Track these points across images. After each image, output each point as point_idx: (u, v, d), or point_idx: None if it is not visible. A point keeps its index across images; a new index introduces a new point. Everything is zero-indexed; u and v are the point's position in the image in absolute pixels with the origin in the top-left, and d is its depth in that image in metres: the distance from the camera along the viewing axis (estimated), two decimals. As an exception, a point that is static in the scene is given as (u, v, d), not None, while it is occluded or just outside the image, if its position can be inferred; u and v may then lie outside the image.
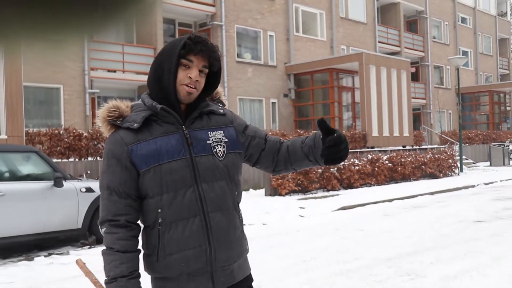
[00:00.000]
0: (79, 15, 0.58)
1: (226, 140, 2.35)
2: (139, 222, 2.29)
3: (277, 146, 2.48)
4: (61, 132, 13.86)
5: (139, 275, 2.24)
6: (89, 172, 13.61)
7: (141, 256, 2.28)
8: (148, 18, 21.11)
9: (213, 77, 2.35)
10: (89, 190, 8.72)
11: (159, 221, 2.22)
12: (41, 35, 0.59)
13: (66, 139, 13.79)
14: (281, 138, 2.53)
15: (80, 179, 9.29)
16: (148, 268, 2.31)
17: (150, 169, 2.21)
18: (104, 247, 2.24)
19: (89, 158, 14.25)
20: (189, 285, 2.27)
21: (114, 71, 20.03)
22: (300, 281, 5.95)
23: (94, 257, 7.79)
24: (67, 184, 8.43)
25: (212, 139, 2.33)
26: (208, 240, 2.25)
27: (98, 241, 8.82)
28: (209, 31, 23.41)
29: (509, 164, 28.77)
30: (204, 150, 2.29)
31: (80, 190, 8.60)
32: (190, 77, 2.20)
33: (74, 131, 14.10)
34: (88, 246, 8.71)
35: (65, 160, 13.61)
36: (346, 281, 6.03)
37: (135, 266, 2.22)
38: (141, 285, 2.24)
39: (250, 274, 2.50)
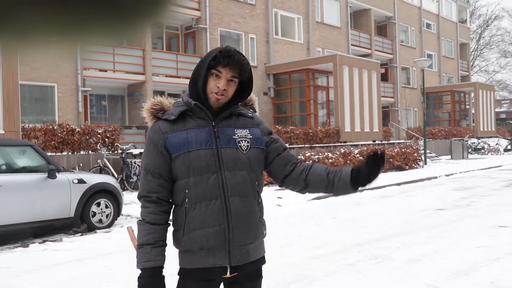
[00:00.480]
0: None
1: (251, 137, 2.50)
2: (170, 200, 2.47)
3: (293, 160, 2.60)
4: (55, 127, 13.72)
5: (163, 245, 2.42)
6: (81, 165, 13.52)
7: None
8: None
9: (246, 84, 2.49)
10: (81, 181, 8.65)
11: (186, 200, 2.40)
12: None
13: (59, 134, 13.66)
14: (296, 161, 2.63)
15: (72, 171, 9.20)
16: (175, 242, 2.47)
17: (181, 155, 2.39)
18: (140, 218, 2.45)
19: (81, 152, 14.13)
20: (208, 259, 2.40)
21: (105, 71, 19.86)
22: (276, 265, 5.95)
23: (84, 244, 7.77)
24: (60, 176, 8.36)
25: (238, 135, 2.48)
26: (227, 221, 2.40)
27: (89, 229, 8.77)
28: (194, 33, 23.31)
29: (467, 157, 29.12)
30: (229, 143, 2.45)
31: (73, 182, 8.52)
32: (218, 87, 2.35)
33: (67, 126, 13.98)
34: (80, 234, 8.63)
35: (58, 153, 13.48)
36: (319, 264, 6.06)
37: (160, 237, 2.40)
38: (166, 255, 2.42)
39: (263, 256, 2.65)
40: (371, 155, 2.37)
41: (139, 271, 2.37)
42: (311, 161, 16.54)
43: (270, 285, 5.24)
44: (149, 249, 2.37)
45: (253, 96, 2.69)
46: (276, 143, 2.61)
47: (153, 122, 2.52)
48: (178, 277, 2.44)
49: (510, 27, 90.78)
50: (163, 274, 2.40)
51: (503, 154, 33.14)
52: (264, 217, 2.59)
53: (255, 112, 2.70)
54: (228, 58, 2.33)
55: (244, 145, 2.48)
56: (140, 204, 2.48)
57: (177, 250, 2.46)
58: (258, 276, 2.64)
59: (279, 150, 2.58)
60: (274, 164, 2.58)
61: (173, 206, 2.50)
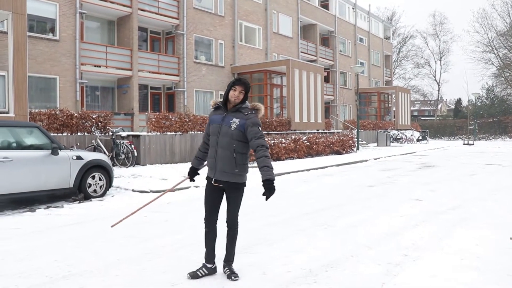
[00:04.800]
0: None
1: (238, 123, 3.96)
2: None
3: (254, 146, 3.92)
4: (57, 112, 13.25)
5: (199, 159, 4.30)
6: (78, 144, 13.14)
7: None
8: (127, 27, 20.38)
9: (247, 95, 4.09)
10: (79, 157, 8.39)
11: (210, 145, 4.09)
12: None
13: (60, 118, 13.20)
14: (259, 145, 3.93)
15: (72, 149, 8.90)
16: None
17: (210, 125, 4.09)
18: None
19: (78, 133, 13.71)
20: (210, 171, 4.08)
21: (99, 66, 19.27)
22: (245, 228, 5.93)
23: (81, 210, 7.56)
24: (61, 153, 8.09)
25: (232, 121, 3.98)
26: (215, 157, 4.01)
27: (86, 198, 8.54)
28: (174, 38, 22.87)
29: (390, 145, 29.74)
30: (227, 124, 3.99)
31: (72, 158, 8.26)
32: (233, 95, 3.99)
33: (67, 112, 13.52)
34: (78, 201, 8.40)
35: (59, 134, 13.05)
36: (275, 229, 6.05)
37: (199, 155, 4.28)
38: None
39: (241, 182, 4.04)
40: (265, 194, 3.83)
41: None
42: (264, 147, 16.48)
43: (236, 246, 5.21)
44: (194, 159, 4.30)
45: (261, 106, 4.09)
46: (251, 133, 3.93)
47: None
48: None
49: (421, 44, 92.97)
50: (196, 171, 4.31)
51: (416, 143, 34.01)
52: (244, 166, 4.03)
53: (255, 114, 4.03)
54: (239, 81, 3.99)
55: (232, 126, 3.97)
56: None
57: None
58: (237, 189, 4.04)
59: (250, 136, 3.94)
60: (250, 142, 3.97)
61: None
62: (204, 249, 4.20)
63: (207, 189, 4.11)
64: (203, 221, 4.18)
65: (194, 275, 4.07)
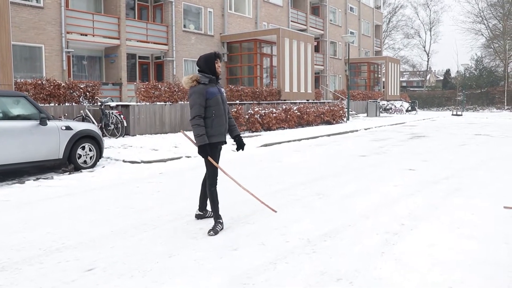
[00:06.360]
0: None
1: (223, 92, 4.67)
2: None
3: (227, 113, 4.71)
4: (43, 82, 12.91)
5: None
6: (66, 114, 12.87)
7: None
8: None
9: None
10: (68, 128, 8.19)
11: (213, 115, 4.42)
12: None
13: (47, 88, 12.87)
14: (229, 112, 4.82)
15: (60, 119, 8.69)
16: (207, 131, 4.42)
17: (210, 98, 4.41)
18: (194, 124, 4.35)
19: (66, 104, 13.42)
20: (221, 136, 4.56)
21: (86, 35, 18.76)
22: (235, 201, 5.87)
23: (72, 181, 7.42)
24: (50, 123, 7.88)
25: (223, 90, 4.64)
26: (226, 123, 4.60)
27: (76, 169, 8.39)
28: (162, 6, 22.33)
29: (379, 115, 29.81)
30: (222, 93, 4.59)
31: (61, 128, 8.06)
32: (218, 68, 4.53)
33: (54, 81, 13.18)
34: (68, 173, 8.25)
35: (46, 104, 12.76)
36: (270, 199, 5.96)
37: (203, 131, 4.36)
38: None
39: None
40: (237, 146, 4.89)
41: (198, 147, 4.36)
42: (247, 116, 16.50)
43: (233, 216, 5.16)
44: (203, 137, 4.34)
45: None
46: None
47: (193, 85, 4.40)
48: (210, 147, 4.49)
49: (412, 15, 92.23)
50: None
51: (405, 113, 34.11)
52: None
53: None
54: (219, 55, 4.55)
55: (224, 95, 4.65)
56: (194, 119, 4.34)
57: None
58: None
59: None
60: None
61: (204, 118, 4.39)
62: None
63: (218, 153, 4.64)
64: (214, 182, 4.56)
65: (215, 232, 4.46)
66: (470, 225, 4.75)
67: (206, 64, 4.42)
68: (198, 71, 4.50)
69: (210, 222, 4.81)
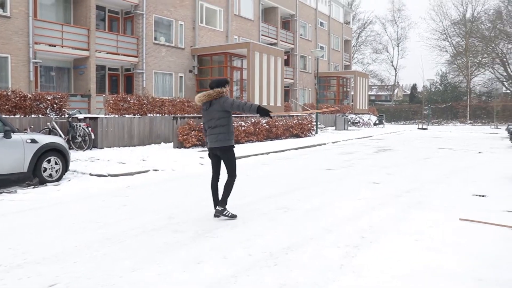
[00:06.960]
0: None
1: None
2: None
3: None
4: (8, 93, 12.67)
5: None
6: (32, 126, 12.66)
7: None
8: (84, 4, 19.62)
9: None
10: (33, 141, 8.09)
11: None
12: None
13: (13, 99, 12.65)
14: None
15: (25, 132, 8.56)
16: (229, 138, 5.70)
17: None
18: (247, 105, 5.50)
19: (32, 116, 13.20)
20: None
21: (54, 46, 18.51)
22: (204, 214, 5.92)
23: (36, 195, 7.31)
24: (15, 136, 7.77)
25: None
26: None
27: (41, 182, 8.27)
28: (133, 18, 22.25)
29: (348, 128, 30.34)
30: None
31: (26, 141, 7.95)
32: (227, 90, 5.81)
33: (20, 93, 12.95)
34: (33, 186, 8.12)
35: (12, 116, 12.52)
36: (238, 213, 6.04)
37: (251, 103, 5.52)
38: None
39: (224, 146, 5.70)
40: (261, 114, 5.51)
41: (264, 109, 5.47)
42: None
43: (198, 231, 5.20)
44: (257, 104, 5.54)
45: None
46: None
47: (223, 94, 5.77)
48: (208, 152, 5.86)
49: (380, 30, 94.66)
50: None
51: (373, 127, 34.83)
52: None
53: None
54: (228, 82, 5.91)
55: None
56: (242, 103, 5.57)
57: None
58: (224, 152, 5.77)
59: None
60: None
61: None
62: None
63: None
64: (235, 173, 5.90)
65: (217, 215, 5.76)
66: (428, 237, 4.95)
67: (218, 86, 5.74)
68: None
69: (175, 236, 4.85)
